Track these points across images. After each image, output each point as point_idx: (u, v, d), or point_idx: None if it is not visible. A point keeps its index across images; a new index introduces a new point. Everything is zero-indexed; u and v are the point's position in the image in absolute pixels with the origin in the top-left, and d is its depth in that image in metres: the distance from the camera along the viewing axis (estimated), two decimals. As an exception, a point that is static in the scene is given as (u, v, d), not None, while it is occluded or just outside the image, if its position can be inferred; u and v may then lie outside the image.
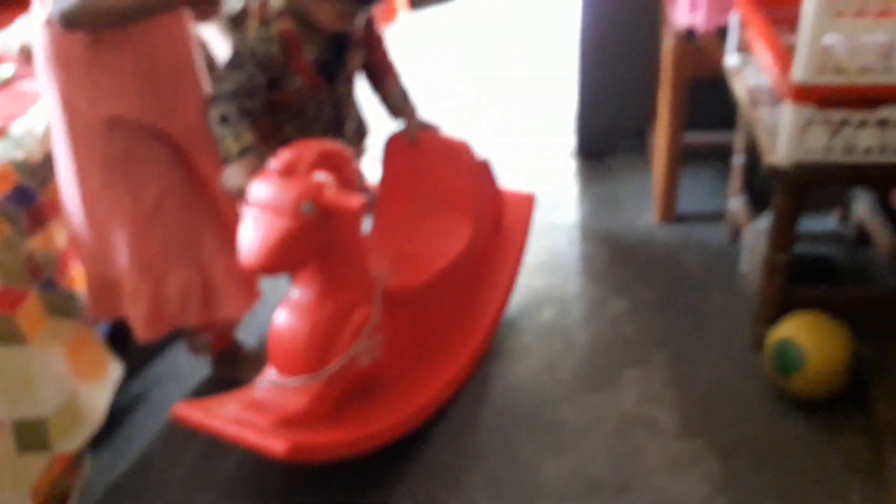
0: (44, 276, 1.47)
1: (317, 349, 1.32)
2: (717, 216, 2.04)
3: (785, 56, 1.38)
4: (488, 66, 3.12)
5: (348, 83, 1.57)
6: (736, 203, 1.92)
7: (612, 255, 2.00)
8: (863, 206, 1.87)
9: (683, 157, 2.02)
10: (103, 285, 1.48)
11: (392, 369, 1.46)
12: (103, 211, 1.41)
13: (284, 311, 1.34)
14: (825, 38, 1.28)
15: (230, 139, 1.36)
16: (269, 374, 1.35)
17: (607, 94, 2.29)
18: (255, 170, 1.29)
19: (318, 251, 1.26)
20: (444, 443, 1.50)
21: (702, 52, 1.81)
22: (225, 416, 1.30)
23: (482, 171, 1.66)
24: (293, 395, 1.31)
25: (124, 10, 1.26)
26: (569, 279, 1.93)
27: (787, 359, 1.47)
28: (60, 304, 1.50)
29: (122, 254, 1.43)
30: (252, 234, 1.21)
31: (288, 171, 1.23)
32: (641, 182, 2.24)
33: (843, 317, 1.52)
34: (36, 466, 1.39)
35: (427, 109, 1.68)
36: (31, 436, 1.40)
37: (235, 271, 1.44)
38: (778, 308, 1.57)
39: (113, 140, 1.36)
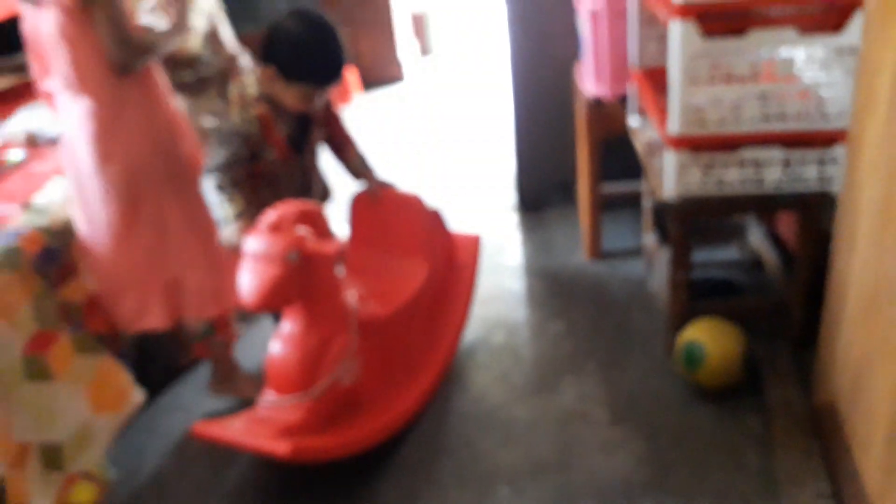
0: (73, 320, 1.75)
1: (306, 372, 1.59)
2: (636, 251, 2.40)
3: (663, 114, 1.77)
4: (436, 137, 3.52)
5: (312, 154, 1.93)
6: (648, 238, 2.29)
7: (550, 288, 2.35)
8: (755, 236, 2.26)
9: (604, 204, 2.39)
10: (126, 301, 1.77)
11: (370, 386, 1.75)
12: (128, 238, 1.71)
13: (277, 342, 1.63)
14: (691, 99, 1.67)
15: (227, 205, 1.69)
16: (268, 395, 1.63)
17: (539, 156, 2.68)
18: (248, 228, 1.61)
19: (302, 291, 1.56)
20: (418, 443, 1.79)
21: (608, 115, 2.21)
22: (235, 430, 1.58)
23: (433, 219, 2.00)
24: (290, 410, 1.58)
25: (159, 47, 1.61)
26: (515, 309, 2.26)
27: (692, 356, 1.81)
28: (87, 343, 1.76)
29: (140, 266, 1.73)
30: (249, 279, 1.51)
31: (275, 228, 1.54)
32: (572, 227, 2.61)
33: (738, 322, 1.87)
34: (55, 483, 1.63)
35: (384, 172, 2.03)
36: (51, 457, 1.65)
37: (207, 283, 1.76)
38: (683, 318, 1.91)
39: (136, 184, 1.67)
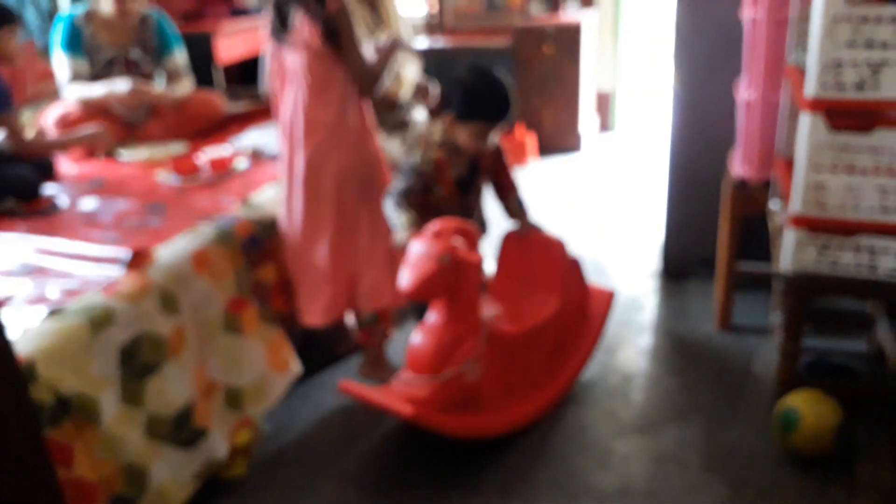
0: (262, 295, 2.20)
1: (438, 359, 1.93)
2: (764, 328, 2.52)
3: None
4: (600, 202, 3.79)
5: (477, 194, 2.28)
6: (775, 317, 2.41)
7: (675, 348, 2.52)
8: (882, 329, 2.31)
9: (741, 282, 2.54)
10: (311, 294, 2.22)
11: (490, 389, 2.04)
12: (324, 237, 2.19)
13: (419, 331, 1.98)
14: (812, 183, 1.84)
15: (402, 218, 2.08)
16: (405, 374, 1.98)
17: (686, 230, 2.87)
18: (415, 234, 1.98)
19: (448, 289, 1.91)
20: (520, 451, 2.04)
21: (751, 196, 2.38)
22: (373, 392, 1.93)
23: (572, 264, 2.27)
24: (419, 387, 1.92)
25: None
26: (637, 361, 2.46)
27: (787, 420, 1.93)
28: (269, 314, 2.21)
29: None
30: (409, 272, 1.88)
31: (436, 235, 1.91)
32: (707, 299, 2.76)
33: (845, 403, 1.96)
34: (233, 420, 2.05)
35: (544, 223, 2.34)
36: (233, 398, 2.07)
37: (382, 279, 2.21)
38: (789, 387, 2.03)
39: (336, 190, 2.14)
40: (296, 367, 2.22)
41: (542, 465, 2.00)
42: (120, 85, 2.96)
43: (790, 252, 1.92)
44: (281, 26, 2.10)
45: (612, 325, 2.54)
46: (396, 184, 2.16)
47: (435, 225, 1.94)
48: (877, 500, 1.78)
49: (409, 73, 3.00)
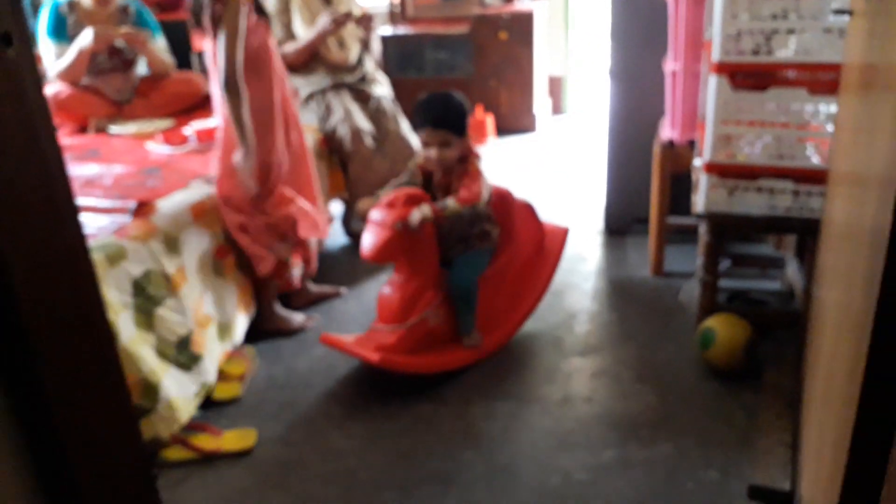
0: (236, 248, 2.49)
1: (401, 309, 2.25)
2: (692, 273, 2.87)
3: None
4: (551, 174, 4.13)
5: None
6: (700, 261, 2.76)
7: (613, 291, 2.87)
8: (791, 269, 2.68)
9: (673, 236, 2.90)
10: None
11: (449, 332, 2.36)
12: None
13: (387, 286, 2.32)
14: (725, 131, 2.19)
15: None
16: (375, 324, 2.29)
17: (624, 193, 3.22)
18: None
19: (405, 251, 2.21)
20: (481, 372, 2.36)
21: (678, 155, 2.73)
22: (348, 342, 2.24)
23: (523, 207, 2.57)
24: (388, 335, 2.24)
25: None
26: (580, 300, 2.79)
27: (705, 338, 2.28)
28: (242, 264, 2.50)
29: None
30: (369, 239, 2.20)
31: (389, 205, 2.20)
32: (643, 251, 3.12)
33: (757, 326, 2.31)
34: (220, 349, 2.34)
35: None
36: (222, 331, 2.37)
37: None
38: (709, 313, 2.38)
39: None
40: (254, 309, 2.58)
41: (497, 381, 2.32)
42: (84, 39, 3.09)
43: (704, 195, 2.27)
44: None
45: (559, 273, 2.87)
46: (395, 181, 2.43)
47: (388, 195, 2.24)
48: (779, 401, 2.14)
49: (355, 46, 3.27)
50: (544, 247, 2.66)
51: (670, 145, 2.74)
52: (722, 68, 2.13)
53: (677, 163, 2.73)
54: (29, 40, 0.92)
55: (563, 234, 2.71)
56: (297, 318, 2.67)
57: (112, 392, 1.21)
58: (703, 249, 2.36)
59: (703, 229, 2.37)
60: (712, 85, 2.16)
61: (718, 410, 2.13)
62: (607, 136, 3.18)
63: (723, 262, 2.67)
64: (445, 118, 2.24)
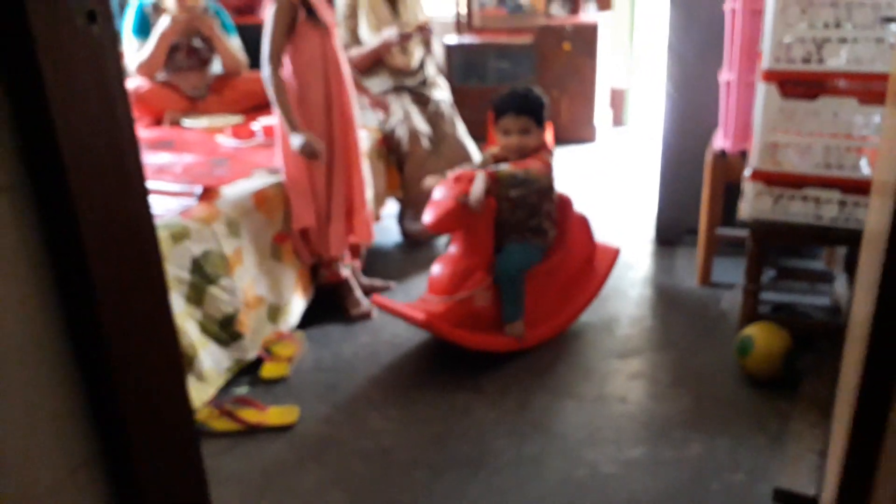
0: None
1: (451, 283, 2.34)
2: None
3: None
4: (606, 184, 4.16)
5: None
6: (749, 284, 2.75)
7: (659, 298, 2.88)
8: (839, 283, 2.65)
9: (723, 248, 2.89)
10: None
11: (494, 317, 2.43)
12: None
13: (440, 261, 2.40)
14: (772, 139, 2.20)
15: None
16: (426, 295, 2.39)
17: (677, 201, 3.23)
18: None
19: (464, 226, 2.31)
20: (519, 365, 2.42)
21: (730, 165, 2.73)
22: (398, 305, 2.35)
23: (581, 220, 2.63)
24: (436, 304, 2.32)
25: None
26: (625, 307, 2.82)
27: (743, 346, 2.28)
28: None
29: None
30: (432, 209, 2.30)
31: (456, 180, 2.32)
32: (693, 263, 3.11)
33: (794, 335, 2.30)
34: (268, 330, 2.46)
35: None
36: (273, 313, 2.49)
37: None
38: (749, 321, 2.38)
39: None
40: (312, 293, 2.70)
41: (535, 375, 2.37)
42: (162, 25, 3.29)
43: (749, 202, 2.27)
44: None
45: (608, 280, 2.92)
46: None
47: (456, 172, 2.35)
48: (815, 411, 2.12)
49: (417, 51, 3.39)
50: (594, 263, 2.72)
51: (722, 155, 2.75)
52: (771, 76, 2.15)
53: (729, 173, 2.74)
54: (111, 19, 1.04)
55: (613, 253, 2.77)
56: (365, 303, 2.78)
57: (166, 356, 1.33)
58: (747, 257, 2.36)
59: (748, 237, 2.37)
60: (761, 93, 2.17)
61: (752, 416, 2.13)
62: (661, 146, 3.21)
63: (767, 273, 2.66)
64: (527, 105, 2.38)
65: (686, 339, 2.55)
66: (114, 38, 1.07)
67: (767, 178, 2.23)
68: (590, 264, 2.71)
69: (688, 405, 2.20)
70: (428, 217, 2.31)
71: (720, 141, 2.78)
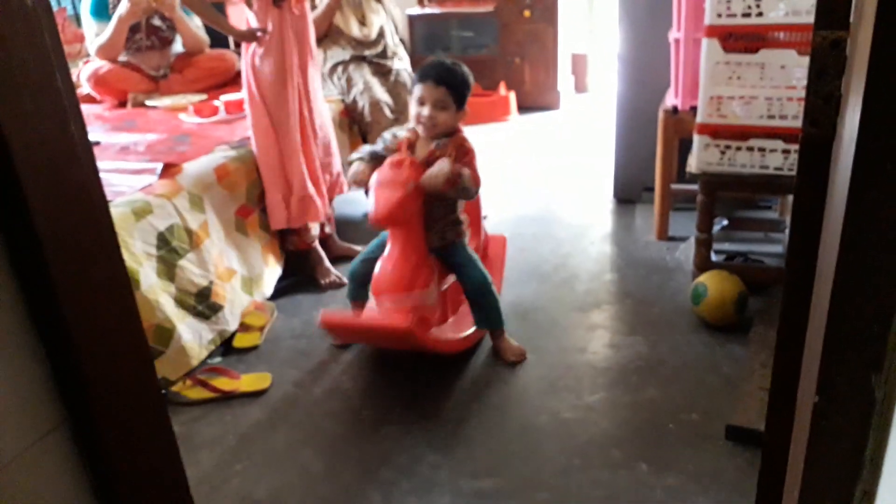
0: (260, 209, 2.67)
1: (404, 282, 2.10)
2: (697, 237, 2.96)
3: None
4: (568, 149, 4.24)
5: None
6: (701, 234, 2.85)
7: (617, 254, 2.97)
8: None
9: (679, 204, 2.98)
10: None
11: (442, 318, 2.32)
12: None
13: (384, 261, 2.14)
14: (716, 92, 2.28)
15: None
16: (380, 300, 2.14)
17: (634, 160, 3.31)
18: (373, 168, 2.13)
19: (411, 217, 2.06)
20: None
21: (681, 121, 2.81)
22: (356, 317, 2.26)
23: (475, 210, 2.52)
24: (394, 308, 2.10)
25: None
26: (584, 262, 2.90)
27: (696, 294, 2.37)
28: (262, 224, 2.68)
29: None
30: (382, 199, 2.03)
31: (397, 164, 2.06)
32: (650, 217, 3.20)
33: (749, 284, 2.39)
34: (244, 301, 2.51)
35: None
36: (245, 284, 2.55)
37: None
38: (702, 270, 2.47)
39: None
40: (282, 262, 2.76)
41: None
42: (121, 8, 3.27)
43: (697, 155, 2.36)
44: None
45: (568, 237, 3.02)
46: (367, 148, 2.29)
47: (392, 157, 2.10)
48: (766, 351, 2.22)
49: (376, 21, 3.41)
50: (488, 253, 2.63)
51: (674, 112, 2.82)
52: (713, 31, 2.22)
53: (680, 129, 2.81)
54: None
55: (503, 241, 2.70)
56: (334, 272, 2.84)
57: (125, 319, 1.38)
58: (698, 208, 2.45)
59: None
60: (704, 48, 2.24)
61: (706, 360, 2.23)
62: (616, 107, 3.27)
63: (718, 222, 2.75)
64: (449, 78, 2.10)
65: (643, 291, 2.64)
66: (48, 10, 1.11)
67: (713, 131, 2.31)
68: (484, 255, 2.57)
69: (644, 352, 2.29)
70: (379, 208, 2.03)
71: (671, 99, 2.85)
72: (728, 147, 2.32)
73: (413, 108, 2.15)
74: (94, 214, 1.26)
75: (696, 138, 2.34)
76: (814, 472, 1.04)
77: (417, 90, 2.12)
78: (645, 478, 1.78)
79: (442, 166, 2.03)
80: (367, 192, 2.14)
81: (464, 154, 2.13)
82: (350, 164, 2.25)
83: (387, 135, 2.25)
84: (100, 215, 1.26)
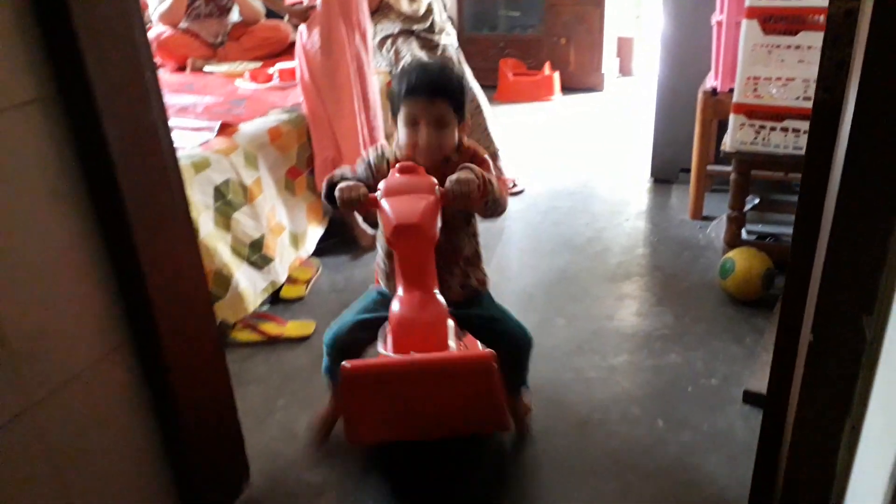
0: (308, 171, 2.82)
1: (440, 333, 1.45)
2: (730, 217, 3.02)
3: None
4: (610, 131, 4.30)
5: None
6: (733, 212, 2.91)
7: (651, 230, 3.05)
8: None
9: (717, 183, 3.04)
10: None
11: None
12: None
13: (403, 308, 1.46)
14: (753, 73, 2.33)
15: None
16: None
17: (672, 141, 3.38)
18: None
19: (431, 240, 1.47)
20: (514, 289, 2.61)
21: (720, 102, 2.87)
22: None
23: None
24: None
25: None
26: (619, 237, 2.99)
27: (724, 268, 2.45)
28: (312, 185, 2.82)
29: None
30: (405, 204, 1.43)
31: (409, 170, 1.51)
32: (687, 198, 3.27)
33: (773, 259, 2.46)
34: (292, 255, 2.66)
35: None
36: (293, 240, 2.70)
37: None
38: (732, 246, 2.55)
39: None
40: (325, 223, 2.90)
41: (527, 298, 2.56)
42: None
43: (732, 134, 2.42)
44: None
45: (603, 212, 3.11)
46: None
47: (404, 164, 1.54)
48: (789, 326, 2.30)
49: None
50: None
51: (713, 93, 2.88)
52: (753, 13, 2.28)
53: (719, 110, 2.87)
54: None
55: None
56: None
57: (187, 252, 1.53)
58: (731, 186, 2.52)
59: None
60: (743, 29, 2.31)
61: (729, 332, 2.31)
62: (657, 88, 3.34)
63: (750, 201, 2.81)
64: (445, 86, 1.56)
65: (673, 266, 2.73)
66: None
67: (749, 111, 2.38)
68: None
69: (670, 322, 2.38)
70: (404, 212, 1.43)
71: (711, 81, 2.91)
72: (763, 127, 2.38)
73: (402, 132, 1.59)
74: (162, 151, 1.42)
75: (731, 117, 2.41)
76: (807, 408, 1.14)
77: (405, 108, 1.57)
78: (661, 433, 1.88)
79: (468, 172, 1.50)
80: (361, 214, 1.66)
81: (481, 162, 1.62)
82: (330, 187, 1.60)
83: (370, 154, 1.70)
84: (167, 152, 1.42)
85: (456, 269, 1.69)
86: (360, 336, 1.68)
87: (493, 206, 1.57)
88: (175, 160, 1.44)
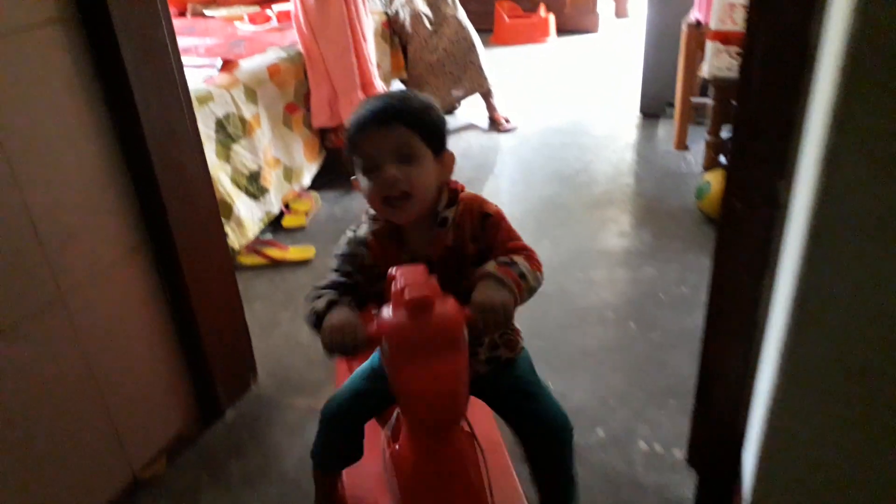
0: (305, 107, 2.95)
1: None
2: (712, 146, 3.15)
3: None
4: (603, 69, 4.40)
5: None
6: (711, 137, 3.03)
7: (637, 160, 3.18)
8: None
9: (699, 115, 3.16)
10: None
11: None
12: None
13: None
14: (729, 0, 2.44)
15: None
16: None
17: (659, 76, 3.48)
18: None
19: None
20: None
21: (703, 35, 2.96)
22: None
23: None
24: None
25: None
26: (606, 165, 3.13)
27: (700, 190, 2.59)
28: (306, 122, 2.96)
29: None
30: (431, 376, 0.98)
31: (422, 308, 0.99)
32: (672, 130, 3.39)
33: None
34: (286, 189, 2.81)
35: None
36: (287, 174, 2.84)
37: None
38: (709, 169, 2.68)
39: None
40: (321, 158, 3.04)
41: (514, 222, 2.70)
42: None
43: (709, 60, 2.54)
44: None
45: (592, 146, 3.25)
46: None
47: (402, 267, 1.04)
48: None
49: None
50: None
51: (697, 25, 2.98)
52: (727, -58, 2.38)
53: (702, 42, 2.96)
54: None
55: None
56: None
57: (202, 188, 1.70)
58: (709, 113, 2.64)
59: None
60: (719, -43, 2.41)
61: (703, 248, 2.46)
62: (645, 24, 3.44)
63: (729, 127, 2.93)
64: (402, 110, 1.11)
65: (654, 191, 2.87)
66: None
67: (725, 38, 2.49)
68: None
69: (648, 240, 2.53)
70: (433, 396, 0.99)
71: (695, 13, 3.01)
72: (739, 53, 2.49)
73: (365, 188, 1.15)
74: (175, 81, 1.57)
75: (708, 44, 2.52)
76: (727, 264, 1.30)
77: (359, 152, 1.13)
78: (633, 332, 2.05)
79: (498, 287, 1.06)
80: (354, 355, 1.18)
81: (493, 227, 1.21)
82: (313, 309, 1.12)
83: (342, 242, 1.28)
84: (180, 82, 1.57)
85: (485, 338, 1.27)
86: (368, 405, 1.31)
87: (529, 294, 1.13)
88: (182, 74, 1.59)
